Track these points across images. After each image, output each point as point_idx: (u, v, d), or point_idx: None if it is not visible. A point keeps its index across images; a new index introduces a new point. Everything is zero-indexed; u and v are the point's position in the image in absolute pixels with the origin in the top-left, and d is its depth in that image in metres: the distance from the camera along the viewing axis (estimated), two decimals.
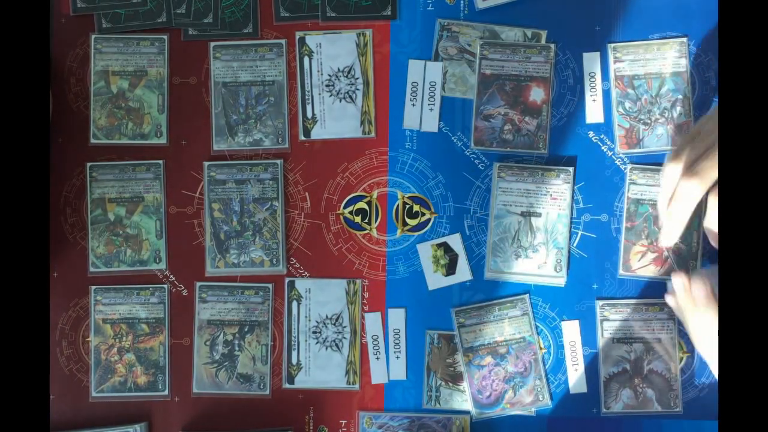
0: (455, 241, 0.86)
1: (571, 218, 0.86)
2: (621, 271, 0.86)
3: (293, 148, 0.87)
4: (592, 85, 0.87)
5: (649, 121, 0.86)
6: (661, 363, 0.85)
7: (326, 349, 0.86)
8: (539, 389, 0.85)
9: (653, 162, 0.86)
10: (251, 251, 0.86)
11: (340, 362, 0.86)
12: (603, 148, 0.87)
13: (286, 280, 0.86)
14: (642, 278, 0.86)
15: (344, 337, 0.86)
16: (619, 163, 0.86)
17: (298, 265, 0.87)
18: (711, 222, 0.75)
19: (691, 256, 0.85)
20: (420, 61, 0.87)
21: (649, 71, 0.86)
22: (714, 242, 0.78)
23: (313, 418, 0.86)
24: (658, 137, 0.86)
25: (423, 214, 0.87)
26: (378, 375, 0.86)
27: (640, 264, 0.86)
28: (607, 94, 0.87)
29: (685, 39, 0.86)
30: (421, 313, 0.86)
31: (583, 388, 0.86)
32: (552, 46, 0.86)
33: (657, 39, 0.86)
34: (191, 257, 0.87)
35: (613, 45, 0.86)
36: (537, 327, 0.86)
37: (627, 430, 0.86)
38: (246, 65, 0.87)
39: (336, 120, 0.87)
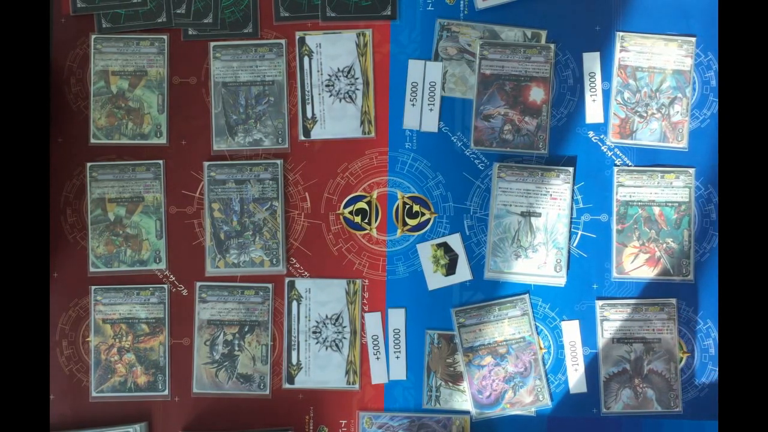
0: (455, 241, 0.86)
1: (571, 218, 0.86)
2: (615, 274, 0.86)
3: (293, 148, 0.87)
4: (592, 85, 0.87)
5: (644, 114, 0.86)
6: (661, 363, 0.85)
7: (326, 349, 0.86)
8: (539, 389, 0.85)
9: (642, 156, 0.86)
10: (251, 251, 0.86)
11: (340, 362, 0.86)
12: (603, 148, 0.87)
13: (286, 280, 0.86)
14: (636, 280, 0.86)
15: (344, 337, 0.86)
16: (619, 163, 0.87)
17: (298, 265, 0.87)
18: None
19: (683, 255, 0.86)
20: (420, 61, 0.87)
21: (653, 65, 0.86)
22: None
23: (313, 418, 0.86)
24: (651, 132, 0.86)
25: (423, 214, 0.87)
26: (378, 375, 0.86)
27: (633, 266, 0.86)
28: (606, 94, 0.87)
29: (693, 39, 0.86)
30: (421, 313, 0.86)
31: (583, 388, 0.86)
32: (552, 46, 0.86)
33: (666, 35, 0.86)
34: (191, 257, 0.87)
35: (621, 34, 0.86)
36: (537, 327, 0.86)
37: (627, 430, 0.85)
38: (246, 65, 0.87)
39: (336, 120, 0.87)
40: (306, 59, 0.87)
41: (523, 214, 0.85)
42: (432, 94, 0.87)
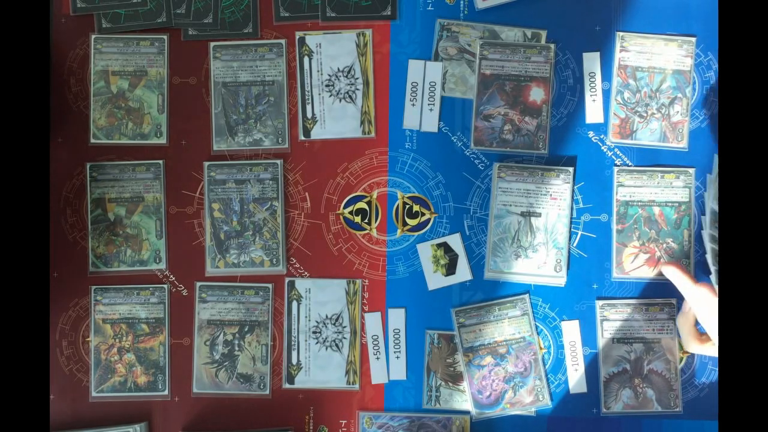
0: (455, 241, 0.86)
1: (571, 218, 0.86)
2: (615, 274, 0.86)
3: (293, 148, 0.87)
4: (591, 85, 0.87)
5: (644, 114, 0.86)
6: (661, 363, 0.85)
7: (326, 349, 0.86)
8: (539, 389, 0.85)
9: (642, 156, 0.86)
10: (251, 251, 0.86)
11: (340, 362, 0.86)
12: (603, 148, 0.87)
13: (286, 280, 0.86)
14: (636, 280, 0.86)
15: (344, 337, 0.86)
16: (619, 163, 0.87)
17: (298, 265, 0.87)
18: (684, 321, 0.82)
19: (683, 255, 0.86)
20: (420, 61, 0.87)
21: (653, 65, 0.86)
22: (687, 344, 0.82)
23: (313, 418, 0.86)
24: (651, 132, 0.86)
25: (423, 214, 0.87)
26: (378, 375, 0.86)
27: (634, 266, 0.86)
28: (606, 94, 0.87)
29: (693, 39, 0.86)
30: (421, 313, 0.86)
31: (583, 388, 0.86)
32: (552, 46, 0.86)
33: (666, 35, 0.87)
34: (191, 257, 0.87)
35: (621, 34, 0.86)
36: (537, 327, 0.86)
37: (627, 430, 0.86)
38: (246, 65, 0.87)
39: (336, 120, 0.87)
40: (306, 59, 0.87)
41: (523, 214, 0.85)
42: (432, 94, 0.87)
